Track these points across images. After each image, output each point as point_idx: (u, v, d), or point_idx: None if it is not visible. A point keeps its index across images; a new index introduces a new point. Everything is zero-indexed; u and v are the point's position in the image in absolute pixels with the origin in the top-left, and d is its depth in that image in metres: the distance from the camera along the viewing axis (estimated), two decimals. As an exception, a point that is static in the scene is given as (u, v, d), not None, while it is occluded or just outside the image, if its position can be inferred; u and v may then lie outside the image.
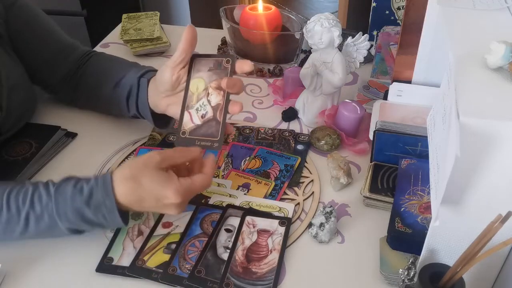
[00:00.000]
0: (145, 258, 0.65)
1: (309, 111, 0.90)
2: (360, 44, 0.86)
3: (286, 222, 0.70)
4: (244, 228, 0.69)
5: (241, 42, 1.08)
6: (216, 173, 0.79)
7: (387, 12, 1.09)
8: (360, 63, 0.89)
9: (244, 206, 0.73)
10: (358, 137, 0.86)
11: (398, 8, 1.08)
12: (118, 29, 1.25)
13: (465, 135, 0.43)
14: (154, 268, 0.64)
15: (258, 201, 0.74)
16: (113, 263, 0.65)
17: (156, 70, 0.85)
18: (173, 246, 0.67)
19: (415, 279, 0.56)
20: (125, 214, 0.65)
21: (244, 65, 0.72)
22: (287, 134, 0.88)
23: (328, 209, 0.69)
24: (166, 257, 0.65)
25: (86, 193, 0.62)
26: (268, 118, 0.94)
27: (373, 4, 1.09)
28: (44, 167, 0.81)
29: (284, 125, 0.92)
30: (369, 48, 0.87)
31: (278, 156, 0.83)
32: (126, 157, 0.83)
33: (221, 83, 0.71)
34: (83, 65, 0.90)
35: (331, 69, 0.85)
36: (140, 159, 0.64)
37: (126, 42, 1.15)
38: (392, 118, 0.78)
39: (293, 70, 0.97)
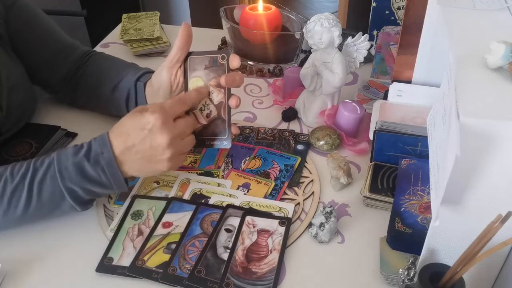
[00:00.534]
0: (145, 258, 0.65)
1: (309, 111, 0.90)
2: (360, 44, 0.86)
3: (286, 222, 0.70)
4: (244, 228, 0.69)
5: (241, 42, 1.08)
6: (216, 173, 0.79)
7: (387, 12, 1.09)
8: (360, 63, 0.89)
9: (244, 206, 0.73)
10: (358, 137, 0.86)
11: (398, 8, 1.08)
12: (118, 29, 1.25)
13: (465, 135, 0.43)
14: (154, 268, 0.64)
15: (258, 201, 0.74)
16: (113, 263, 0.65)
17: (152, 71, 0.85)
18: (173, 246, 0.67)
19: (415, 279, 0.56)
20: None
21: (232, 61, 0.73)
22: (287, 134, 0.88)
23: (328, 209, 0.69)
24: (166, 257, 0.65)
25: (86, 148, 0.66)
26: (268, 118, 0.94)
27: (373, 4, 1.09)
28: (44, 167, 0.81)
29: (284, 125, 0.92)
30: (369, 48, 0.87)
31: (278, 156, 0.83)
32: (126, 157, 0.83)
33: (221, 80, 0.71)
34: (83, 65, 0.90)
35: (331, 69, 0.85)
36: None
37: (126, 42, 1.15)
38: (392, 118, 0.78)
39: (293, 70, 0.97)
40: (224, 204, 0.73)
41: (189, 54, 0.74)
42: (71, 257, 0.66)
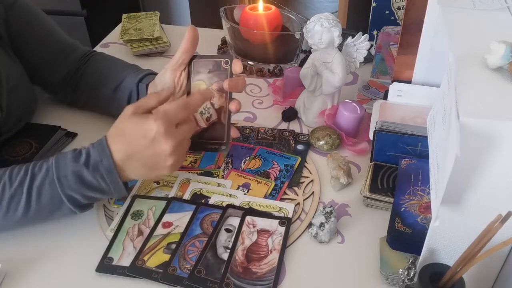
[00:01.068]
0: (145, 258, 0.65)
1: (309, 111, 0.90)
2: (360, 44, 0.86)
3: (286, 222, 0.70)
4: (244, 228, 0.69)
5: (241, 42, 1.08)
6: (216, 173, 0.79)
7: (387, 12, 1.09)
8: (360, 63, 0.89)
9: (244, 206, 0.73)
10: (358, 137, 0.86)
11: (398, 8, 1.08)
12: (118, 29, 1.25)
13: (465, 135, 0.43)
14: (154, 268, 0.64)
15: (258, 201, 0.74)
16: (113, 263, 0.65)
17: (154, 73, 0.85)
18: (173, 246, 0.67)
19: (415, 279, 0.56)
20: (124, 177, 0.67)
21: (235, 67, 0.72)
22: (287, 134, 0.88)
23: (328, 209, 0.69)
24: (166, 257, 0.65)
25: (84, 155, 0.65)
26: (268, 118, 0.94)
27: (373, 4, 1.09)
28: (44, 167, 0.81)
29: (284, 125, 0.92)
30: (369, 48, 0.87)
31: (278, 156, 0.83)
32: (126, 157, 0.83)
33: (224, 85, 0.71)
34: (83, 65, 0.90)
35: (331, 69, 0.85)
36: (120, 116, 0.67)
37: (126, 42, 1.15)
38: (392, 118, 0.78)
39: (293, 70, 0.97)
40: (224, 204, 0.73)
41: (194, 57, 0.74)
42: (71, 257, 0.66)
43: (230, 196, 0.75)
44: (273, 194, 0.76)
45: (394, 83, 0.81)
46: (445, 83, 0.53)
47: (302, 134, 0.89)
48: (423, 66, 0.78)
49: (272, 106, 0.97)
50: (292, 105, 0.94)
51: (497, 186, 0.46)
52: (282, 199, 0.75)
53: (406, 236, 0.63)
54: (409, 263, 0.58)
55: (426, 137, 0.60)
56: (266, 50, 1.06)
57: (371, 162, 0.78)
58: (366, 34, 0.86)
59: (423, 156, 0.74)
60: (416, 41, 0.76)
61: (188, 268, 0.63)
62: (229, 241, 0.67)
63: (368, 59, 0.99)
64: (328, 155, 0.80)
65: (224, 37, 1.16)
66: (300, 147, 0.86)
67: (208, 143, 0.73)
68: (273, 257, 0.65)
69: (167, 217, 0.71)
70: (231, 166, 0.81)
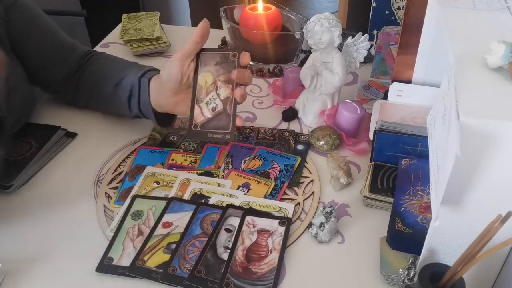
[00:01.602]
0: (145, 258, 0.65)
1: (309, 111, 0.90)
2: (360, 44, 0.86)
3: (286, 222, 0.70)
4: (244, 228, 0.69)
5: (241, 42, 1.08)
6: (216, 173, 0.79)
7: (387, 12, 1.09)
8: (360, 63, 0.89)
9: (244, 206, 0.73)
10: (358, 137, 0.86)
11: (398, 8, 1.08)
12: (118, 29, 1.25)
13: (465, 135, 0.43)
14: (154, 268, 0.64)
15: (258, 201, 0.74)
16: (113, 263, 0.65)
17: (156, 69, 0.85)
18: (173, 246, 0.67)
19: (415, 279, 0.56)
20: None
21: (242, 58, 0.75)
22: (287, 134, 0.88)
23: (328, 209, 0.69)
24: (166, 257, 0.65)
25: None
26: (268, 118, 0.94)
27: (373, 4, 1.09)
28: (44, 167, 0.81)
29: (284, 125, 0.92)
30: (369, 48, 0.87)
31: (278, 156, 0.83)
32: (126, 157, 0.83)
33: (231, 75, 0.73)
34: (83, 65, 0.90)
35: (331, 69, 0.85)
36: None
37: (126, 42, 1.15)
38: (392, 118, 0.78)
39: (293, 70, 0.97)
40: (224, 204, 0.73)
41: (202, 50, 0.77)
42: (71, 257, 0.66)
43: (230, 196, 0.75)
44: (273, 194, 0.76)
45: (394, 83, 0.81)
46: (445, 83, 0.53)
47: (302, 134, 0.89)
48: (423, 66, 0.78)
49: (272, 106, 0.97)
50: (292, 105, 0.94)
51: (497, 186, 0.46)
52: (282, 199, 0.75)
53: (406, 236, 0.63)
54: (409, 263, 0.58)
55: (426, 137, 0.60)
56: (266, 50, 1.06)
57: (371, 162, 0.78)
58: (366, 34, 0.86)
59: (423, 156, 0.74)
60: (416, 41, 0.76)
61: (188, 268, 0.63)
62: (229, 241, 0.67)
63: (368, 59, 0.99)
64: (328, 155, 0.80)
65: (224, 37, 1.16)
66: (300, 147, 0.86)
67: (213, 132, 0.74)
68: (273, 257, 0.65)
69: (167, 217, 0.71)
70: (231, 166, 0.81)
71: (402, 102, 0.82)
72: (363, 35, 0.86)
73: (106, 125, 0.91)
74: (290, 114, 0.93)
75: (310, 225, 0.69)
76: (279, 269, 0.64)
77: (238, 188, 0.76)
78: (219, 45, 1.18)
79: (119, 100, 0.84)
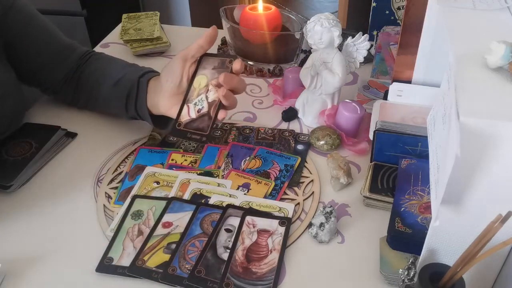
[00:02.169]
0: (145, 258, 0.65)
1: (309, 111, 0.90)
2: (360, 44, 0.86)
3: (286, 222, 0.70)
4: (244, 228, 0.69)
5: (241, 42, 1.08)
6: (216, 173, 0.79)
7: (387, 12, 1.09)
8: (360, 63, 0.89)
9: (244, 206, 0.73)
10: (358, 137, 0.86)
11: (398, 8, 1.08)
12: (118, 29, 1.25)
13: (465, 135, 0.43)
14: (154, 268, 0.64)
15: (258, 201, 0.74)
16: (113, 263, 0.65)
17: (155, 71, 0.85)
18: (173, 246, 0.67)
19: (415, 279, 0.56)
20: None
21: (234, 64, 0.75)
22: (287, 134, 0.88)
23: (328, 209, 0.69)
24: (166, 257, 0.65)
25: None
26: (268, 118, 0.94)
27: (373, 4, 1.09)
28: (44, 167, 0.81)
29: (284, 125, 0.92)
30: (369, 48, 0.87)
31: (278, 156, 0.83)
32: (126, 157, 0.83)
33: (219, 78, 0.73)
34: (82, 65, 0.90)
35: (331, 69, 0.85)
36: None
37: (126, 42, 1.15)
38: (392, 118, 0.78)
39: (293, 70, 0.97)
40: (224, 204, 0.73)
41: (204, 54, 0.78)
42: (71, 257, 0.66)
43: (230, 196, 0.75)
44: (273, 194, 0.76)
45: (394, 83, 0.81)
46: (445, 83, 0.53)
47: (302, 134, 0.89)
48: (423, 66, 0.78)
49: (272, 106, 0.97)
50: (292, 105, 0.94)
51: (497, 186, 0.46)
52: (282, 199, 0.75)
53: (406, 236, 0.63)
54: (409, 263, 0.58)
55: (426, 137, 0.60)
56: (266, 50, 1.06)
57: (371, 162, 0.78)
58: (366, 34, 0.86)
59: (423, 156, 0.74)
60: (416, 41, 0.76)
61: (188, 268, 0.63)
62: (229, 241, 0.67)
63: (368, 59, 0.99)
64: (328, 155, 0.80)
65: (224, 37, 1.16)
66: (300, 147, 0.86)
67: (191, 132, 0.75)
68: (273, 257, 0.65)
69: (167, 217, 0.71)
70: (231, 166, 0.81)
71: (402, 102, 0.82)
72: (363, 35, 0.86)
73: (106, 125, 0.91)
74: (290, 114, 0.93)
75: (310, 225, 0.69)
76: (279, 269, 0.64)
77: (238, 188, 0.76)
78: (219, 45, 1.18)
79: (117, 100, 0.84)
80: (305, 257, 0.67)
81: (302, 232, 0.70)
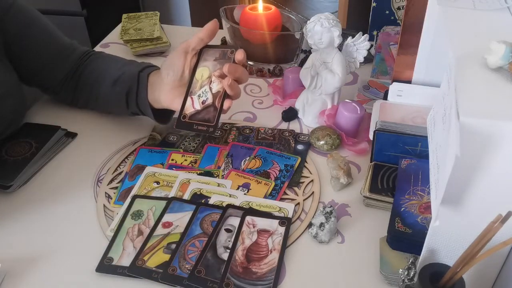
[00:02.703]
0: (145, 258, 0.65)
1: (309, 111, 0.90)
2: (360, 44, 0.86)
3: (286, 222, 0.70)
4: (244, 228, 0.69)
5: (241, 42, 1.08)
6: (216, 173, 0.79)
7: (387, 12, 1.09)
8: (360, 63, 0.89)
9: (244, 206, 0.73)
10: (358, 137, 0.86)
11: (398, 8, 1.08)
12: (118, 29, 1.25)
13: (465, 135, 0.43)
14: (154, 268, 0.64)
15: (258, 201, 0.74)
16: (113, 263, 0.65)
17: (155, 66, 0.85)
18: (173, 246, 0.67)
19: (415, 279, 0.56)
20: None
21: (236, 55, 0.76)
22: (287, 134, 0.88)
23: (328, 209, 0.69)
24: (166, 257, 0.65)
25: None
26: (268, 118, 0.94)
27: (373, 4, 1.09)
28: (44, 167, 0.81)
29: (284, 125, 0.92)
30: (369, 48, 0.87)
31: (278, 156, 0.83)
32: (126, 157, 0.83)
33: (223, 69, 0.74)
34: (82, 65, 0.90)
35: (331, 69, 0.85)
36: None
37: (126, 42, 1.15)
38: (392, 118, 0.78)
39: (293, 70, 0.97)
40: (224, 204, 0.73)
41: (204, 46, 0.78)
42: (71, 257, 0.66)
43: (230, 196, 0.75)
44: (273, 194, 0.76)
45: (394, 83, 0.81)
46: (445, 83, 0.53)
47: (302, 134, 0.89)
48: (423, 66, 0.78)
49: (272, 106, 0.97)
50: (292, 105, 0.94)
51: (497, 186, 0.46)
52: (282, 199, 0.75)
53: (406, 236, 0.63)
54: (409, 263, 0.58)
55: (426, 137, 0.60)
56: (266, 50, 1.06)
57: (371, 162, 0.78)
58: (366, 34, 0.86)
59: (423, 156, 0.74)
60: (416, 41, 0.76)
61: (188, 268, 0.63)
62: (229, 241, 0.67)
63: (368, 59, 0.99)
64: (328, 155, 0.80)
65: (224, 37, 1.16)
66: (300, 147, 0.86)
67: (197, 123, 0.75)
68: (273, 257, 0.65)
69: (167, 217, 0.71)
70: (231, 166, 0.81)
71: (402, 102, 0.82)
72: (363, 35, 0.86)
73: (106, 125, 0.91)
74: (290, 114, 0.93)
75: (310, 225, 0.69)
76: (279, 269, 0.64)
77: (238, 188, 0.76)
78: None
79: (117, 97, 0.84)
80: (305, 257, 0.67)
81: (302, 232, 0.70)
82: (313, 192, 0.77)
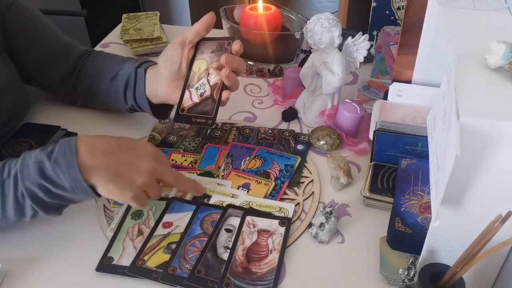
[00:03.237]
0: (145, 258, 0.65)
1: (309, 111, 0.90)
2: (360, 44, 0.86)
3: (286, 222, 0.70)
4: (244, 228, 0.69)
5: (241, 42, 1.07)
6: (216, 173, 0.79)
7: (387, 12, 1.09)
8: (360, 63, 0.89)
9: (245, 206, 0.73)
10: (358, 137, 0.86)
11: (398, 8, 1.08)
12: (118, 29, 1.25)
13: (465, 135, 0.43)
14: (154, 268, 0.64)
15: (258, 201, 0.74)
16: (113, 263, 0.65)
17: (152, 62, 0.85)
18: (173, 246, 0.67)
19: (415, 279, 0.56)
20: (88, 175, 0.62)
21: (233, 46, 0.75)
22: (287, 134, 0.88)
23: (328, 209, 0.69)
24: (166, 257, 0.65)
25: (50, 148, 0.63)
26: (268, 118, 0.94)
27: (373, 4, 1.09)
28: (44, 167, 0.81)
29: (284, 125, 0.92)
30: (369, 48, 0.87)
31: (278, 156, 0.83)
32: (126, 157, 0.83)
33: (221, 59, 0.73)
34: (81, 63, 0.90)
35: (331, 69, 0.85)
36: None
37: (126, 42, 1.15)
38: (392, 118, 0.78)
39: (293, 70, 0.97)
40: (224, 204, 0.73)
41: (201, 39, 0.78)
42: (71, 256, 0.66)
43: (232, 196, 0.75)
44: (273, 194, 0.76)
45: (394, 83, 0.81)
46: (445, 83, 0.53)
47: (302, 134, 0.89)
48: (423, 66, 0.78)
49: (272, 106, 0.97)
50: (292, 105, 0.94)
51: (497, 186, 0.46)
52: (282, 199, 0.75)
53: (406, 236, 0.63)
54: (409, 263, 0.58)
55: (426, 137, 0.60)
56: (266, 50, 1.06)
57: (371, 162, 0.78)
58: (366, 34, 0.86)
59: (423, 156, 0.74)
60: (416, 41, 0.76)
61: (188, 268, 0.63)
62: (229, 241, 0.67)
63: (368, 59, 0.99)
64: (328, 155, 0.80)
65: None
66: (300, 147, 0.86)
67: (196, 116, 0.75)
68: (273, 257, 0.65)
69: (167, 217, 0.71)
70: (231, 166, 0.81)
71: (402, 102, 0.82)
72: (363, 35, 0.86)
73: (106, 125, 0.91)
74: (290, 114, 0.93)
75: (310, 225, 0.69)
76: (279, 269, 0.64)
77: (238, 189, 0.76)
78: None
79: (115, 92, 0.84)
80: (305, 257, 0.67)
81: (302, 232, 0.70)
82: (313, 192, 0.77)
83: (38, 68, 0.89)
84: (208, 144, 0.85)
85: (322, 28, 0.82)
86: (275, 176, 0.79)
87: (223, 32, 1.12)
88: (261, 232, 0.69)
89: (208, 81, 0.75)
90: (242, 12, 1.08)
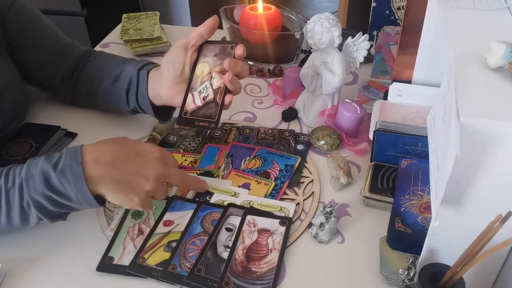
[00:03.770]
0: (146, 256, 0.65)
1: (309, 111, 0.90)
2: (360, 44, 0.86)
3: (286, 221, 0.70)
4: (245, 227, 0.69)
5: (241, 42, 1.07)
6: (216, 173, 0.79)
7: (387, 12, 1.09)
8: (360, 63, 0.89)
9: (245, 206, 0.73)
10: (358, 137, 0.86)
11: (398, 8, 1.08)
12: (118, 29, 1.25)
13: (465, 135, 0.43)
14: (154, 266, 0.64)
15: (259, 201, 0.74)
16: (114, 262, 0.65)
17: (155, 64, 0.85)
18: (174, 244, 0.67)
19: (415, 279, 0.56)
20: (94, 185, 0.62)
21: (236, 50, 0.76)
22: (287, 134, 0.88)
23: (328, 209, 0.69)
24: (167, 255, 0.65)
25: (56, 157, 0.62)
26: (268, 118, 0.94)
27: (373, 4, 1.09)
28: (44, 167, 0.81)
29: (284, 125, 0.92)
30: (369, 48, 0.87)
31: (278, 156, 0.83)
32: (126, 157, 0.83)
33: (224, 63, 0.74)
34: (81, 64, 0.90)
35: (331, 69, 0.85)
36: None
37: (126, 42, 1.15)
38: (392, 118, 0.78)
39: (293, 70, 0.97)
40: (225, 203, 0.73)
41: (204, 42, 0.79)
42: (71, 256, 0.67)
43: (234, 195, 0.75)
44: (273, 194, 0.76)
45: (394, 83, 0.81)
46: (445, 83, 0.53)
47: (302, 134, 0.89)
48: (423, 66, 0.78)
49: (272, 106, 0.97)
50: (292, 105, 0.95)
51: (497, 186, 0.46)
52: (282, 199, 0.75)
53: (406, 236, 0.63)
54: (409, 263, 0.58)
55: (426, 137, 0.60)
56: (266, 50, 1.06)
57: (371, 162, 0.78)
58: (366, 34, 0.86)
59: (423, 156, 0.75)
60: (416, 41, 0.76)
61: (188, 267, 0.63)
62: (229, 240, 0.67)
63: (368, 59, 0.99)
64: (328, 155, 0.80)
65: (224, 37, 1.16)
66: (300, 147, 0.86)
67: (199, 119, 0.75)
68: (273, 256, 0.65)
69: (168, 216, 0.71)
70: (231, 166, 0.81)
71: (402, 102, 0.82)
72: (363, 35, 0.86)
73: (106, 125, 0.91)
74: (290, 114, 0.93)
75: (310, 225, 0.69)
76: (279, 269, 0.64)
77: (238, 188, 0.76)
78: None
79: (117, 94, 0.84)
80: (305, 257, 0.67)
81: (302, 232, 0.70)
82: (313, 192, 0.77)
83: (38, 68, 0.89)
84: (208, 144, 0.86)
85: (322, 28, 0.82)
86: (275, 176, 0.79)
87: (223, 32, 1.12)
88: (261, 231, 0.69)
89: (211, 84, 0.75)
90: (242, 12, 1.08)
